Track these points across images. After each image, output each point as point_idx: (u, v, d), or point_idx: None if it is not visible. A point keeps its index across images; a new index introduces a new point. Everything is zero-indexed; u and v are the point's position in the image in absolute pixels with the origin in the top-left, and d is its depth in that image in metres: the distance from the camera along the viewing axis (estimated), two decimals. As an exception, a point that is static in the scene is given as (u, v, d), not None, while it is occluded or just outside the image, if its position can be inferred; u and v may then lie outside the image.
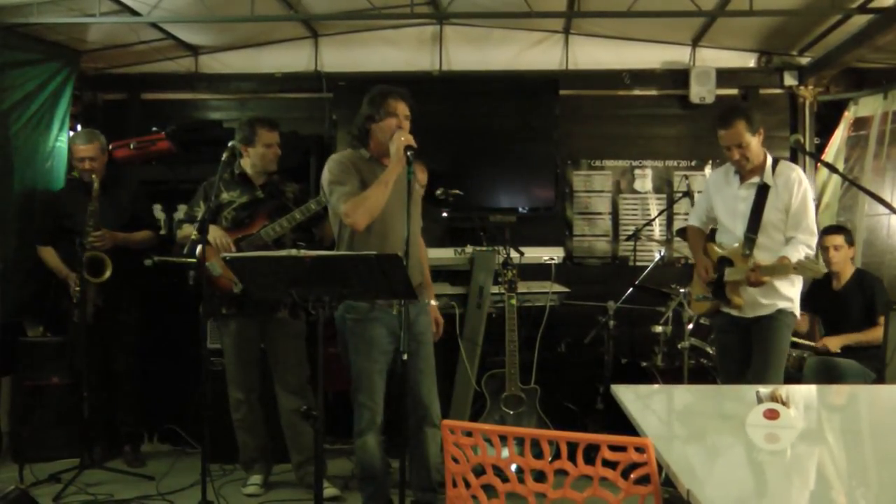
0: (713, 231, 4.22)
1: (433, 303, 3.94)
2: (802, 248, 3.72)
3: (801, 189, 3.82)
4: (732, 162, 3.92)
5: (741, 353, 3.98)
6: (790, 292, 3.89)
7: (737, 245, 3.91)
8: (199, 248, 3.97)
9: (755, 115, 3.90)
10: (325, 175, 3.64)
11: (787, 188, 3.82)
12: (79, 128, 5.71)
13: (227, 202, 4.33)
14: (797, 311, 3.96)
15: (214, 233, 4.21)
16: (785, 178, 3.84)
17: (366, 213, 3.49)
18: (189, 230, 4.29)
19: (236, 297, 4.22)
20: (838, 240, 4.73)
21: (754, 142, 3.83)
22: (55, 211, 4.86)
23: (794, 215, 3.81)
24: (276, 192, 4.40)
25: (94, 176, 4.66)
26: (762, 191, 3.85)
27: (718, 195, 4.08)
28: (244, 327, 4.33)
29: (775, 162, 3.90)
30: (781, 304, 3.88)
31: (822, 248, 4.67)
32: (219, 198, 4.30)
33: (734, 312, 3.97)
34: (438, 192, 4.86)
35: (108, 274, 4.60)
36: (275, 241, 4.23)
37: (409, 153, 3.38)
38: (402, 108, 3.64)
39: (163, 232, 5.21)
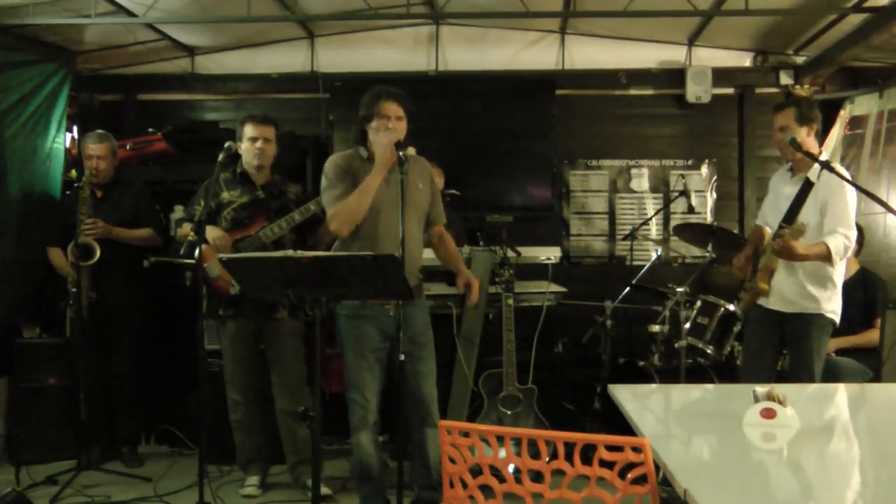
0: None
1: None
2: (840, 238, 3.74)
3: (840, 188, 3.81)
4: (775, 143, 4.01)
5: (764, 345, 4.04)
6: (818, 293, 3.87)
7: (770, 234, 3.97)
8: (196, 250, 3.96)
9: (811, 111, 3.95)
10: (323, 176, 3.67)
11: (827, 188, 3.84)
12: (75, 129, 5.72)
13: (228, 202, 4.31)
14: (832, 316, 3.91)
15: (213, 233, 4.21)
16: (827, 178, 3.84)
17: (345, 221, 3.50)
18: (188, 229, 4.26)
19: (234, 298, 4.22)
20: None
21: (801, 133, 3.88)
22: (62, 212, 4.86)
23: (831, 207, 3.81)
24: (277, 193, 4.38)
25: (94, 171, 4.68)
26: (806, 186, 3.90)
27: (773, 192, 4.18)
28: (242, 328, 4.33)
29: (825, 163, 3.89)
30: (806, 304, 3.89)
31: None
32: (219, 197, 4.29)
33: (761, 301, 4.01)
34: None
35: (96, 257, 4.58)
36: (274, 243, 4.23)
37: (401, 153, 3.37)
38: (393, 109, 3.60)
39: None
